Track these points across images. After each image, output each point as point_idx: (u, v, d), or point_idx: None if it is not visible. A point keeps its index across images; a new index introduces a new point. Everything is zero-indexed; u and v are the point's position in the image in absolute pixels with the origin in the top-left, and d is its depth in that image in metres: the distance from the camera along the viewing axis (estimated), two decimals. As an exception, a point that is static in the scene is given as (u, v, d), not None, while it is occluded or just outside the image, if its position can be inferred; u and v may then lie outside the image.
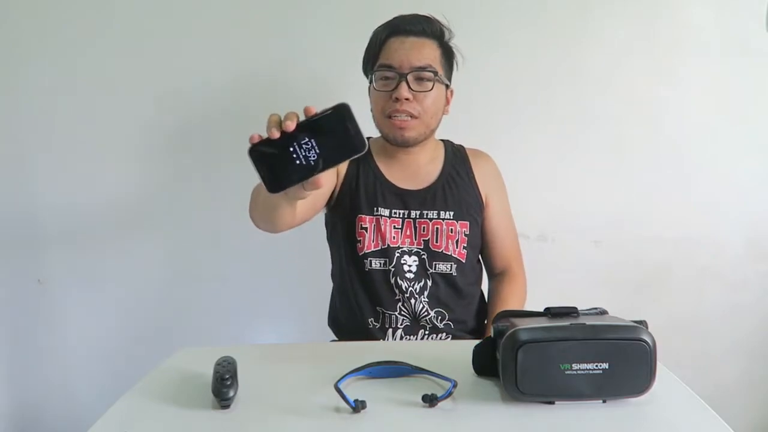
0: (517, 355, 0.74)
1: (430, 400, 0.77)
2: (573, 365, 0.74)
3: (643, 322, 0.79)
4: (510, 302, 1.30)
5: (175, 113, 1.69)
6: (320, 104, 1.77)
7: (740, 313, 1.77)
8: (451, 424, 0.75)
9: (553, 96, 1.66)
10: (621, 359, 0.74)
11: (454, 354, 0.95)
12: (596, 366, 0.74)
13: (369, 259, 1.24)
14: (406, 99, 1.17)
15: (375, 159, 1.29)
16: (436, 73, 1.19)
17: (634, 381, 0.76)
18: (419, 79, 1.18)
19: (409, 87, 1.17)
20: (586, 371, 0.74)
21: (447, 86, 1.25)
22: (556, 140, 1.69)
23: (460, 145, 1.37)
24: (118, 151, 1.71)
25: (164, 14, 1.63)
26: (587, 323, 0.76)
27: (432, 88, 1.19)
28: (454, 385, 0.79)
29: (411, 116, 1.19)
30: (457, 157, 1.33)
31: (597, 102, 1.67)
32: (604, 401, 0.77)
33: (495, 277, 1.39)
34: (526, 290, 1.37)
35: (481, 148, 1.40)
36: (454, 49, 1.26)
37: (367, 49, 1.25)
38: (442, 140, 1.36)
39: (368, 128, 1.24)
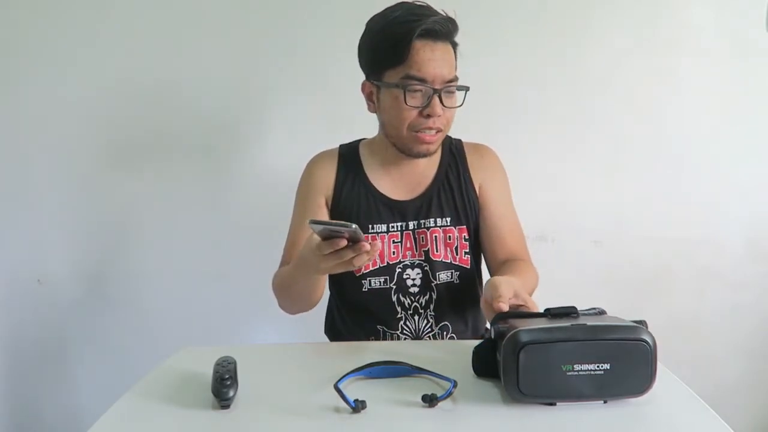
0: (519, 356, 0.74)
1: (430, 400, 0.77)
2: (575, 366, 0.74)
3: (642, 322, 0.79)
4: (524, 272, 1.16)
5: (174, 113, 1.68)
6: (319, 103, 1.76)
7: (740, 313, 1.77)
8: (451, 424, 0.75)
9: (553, 96, 1.66)
10: (622, 359, 0.74)
11: (454, 354, 0.95)
12: (598, 366, 0.74)
13: (368, 279, 1.19)
14: (438, 116, 1.10)
15: (365, 169, 1.23)
16: (459, 84, 1.12)
17: (635, 381, 0.76)
18: (448, 92, 1.10)
19: (441, 102, 1.09)
20: (587, 372, 0.74)
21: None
22: (556, 140, 1.69)
23: (458, 140, 1.29)
24: (118, 151, 1.71)
25: (162, 15, 1.63)
26: (588, 324, 0.76)
27: (462, 104, 1.13)
28: (454, 385, 0.79)
29: (439, 130, 1.13)
30: (453, 156, 1.26)
31: (597, 102, 1.67)
32: (605, 401, 0.77)
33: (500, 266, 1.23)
34: (537, 277, 1.22)
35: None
36: (457, 43, 1.15)
37: (383, 48, 1.09)
38: None
39: (358, 130, 1.24)
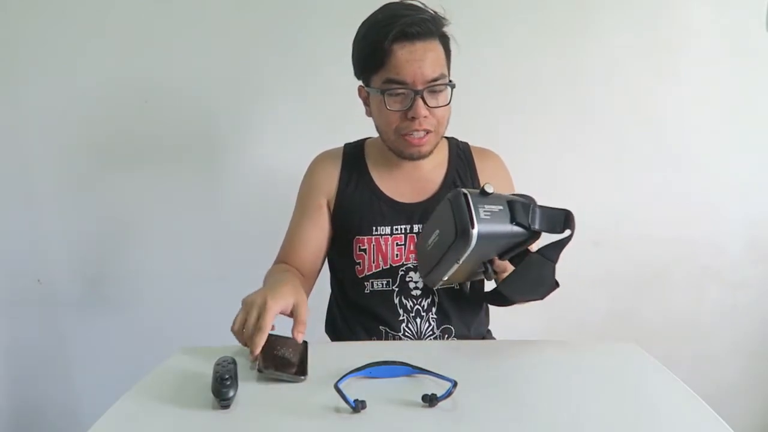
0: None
1: (430, 400, 0.77)
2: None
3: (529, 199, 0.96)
4: None
5: (175, 114, 1.69)
6: (320, 103, 1.75)
7: (740, 313, 1.78)
8: (451, 424, 0.75)
9: (553, 96, 1.66)
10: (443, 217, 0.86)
11: (455, 354, 0.95)
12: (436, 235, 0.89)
13: (370, 281, 1.18)
14: (424, 117, 1.08)
15: (370, 170, 1.22)
16: (447, 81, 1.10)
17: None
18: (433, 92, 1.08)
19: (425, 103, 1.07)
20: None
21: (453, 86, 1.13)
22: (555, 140, 1.69)
23: (466, 144, 1.29)
24: (118, 151, 1.71)
25: (162, 16, 1.63)
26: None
27: (449, 102, 1.11)
28: (454, 385, 0.79)
29: (427, 131, 1.10)
30: (461, 160, 1.24)
31: (597, 102, 1.67)
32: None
33: None
34: None
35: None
36: (448, 35, 1.12)
37: (365, 54, 1.10)
38: (446, 137, 1.26)
39: (359, 130, 1.24)
